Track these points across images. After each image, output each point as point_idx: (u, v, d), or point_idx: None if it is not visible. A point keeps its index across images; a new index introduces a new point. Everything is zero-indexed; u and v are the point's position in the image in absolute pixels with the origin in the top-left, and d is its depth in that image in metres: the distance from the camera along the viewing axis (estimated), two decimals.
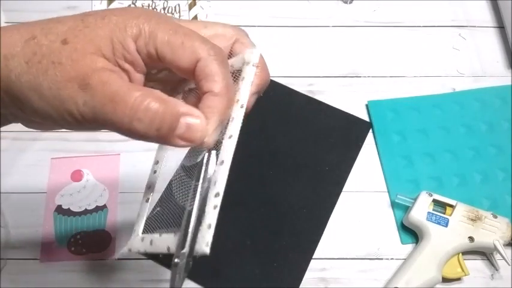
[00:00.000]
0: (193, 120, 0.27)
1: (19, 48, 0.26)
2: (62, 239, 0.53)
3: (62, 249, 0.52)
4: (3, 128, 0.60)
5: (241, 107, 0.29)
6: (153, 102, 0.26)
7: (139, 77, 0.29)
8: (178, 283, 0.28)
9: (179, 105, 0.27)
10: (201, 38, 0.28)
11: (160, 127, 0.26)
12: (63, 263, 0.52)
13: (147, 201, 0.35)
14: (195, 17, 0.66)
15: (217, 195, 0.28)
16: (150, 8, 0.66)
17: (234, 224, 0.53)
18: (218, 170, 0.29)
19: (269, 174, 0.56)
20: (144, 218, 0.35)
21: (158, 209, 0.35)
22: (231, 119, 0.29)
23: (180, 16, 0.66)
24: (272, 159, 0.57)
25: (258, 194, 0.56)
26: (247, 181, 0.55)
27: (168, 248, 0.30)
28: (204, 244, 0.28)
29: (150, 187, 0.36)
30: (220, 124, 0.28)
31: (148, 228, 0.34)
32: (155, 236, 0.32)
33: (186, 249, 0.28)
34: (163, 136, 0.27)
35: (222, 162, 0.28)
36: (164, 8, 0.66)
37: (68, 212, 0.54)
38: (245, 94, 0.29)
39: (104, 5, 0.66)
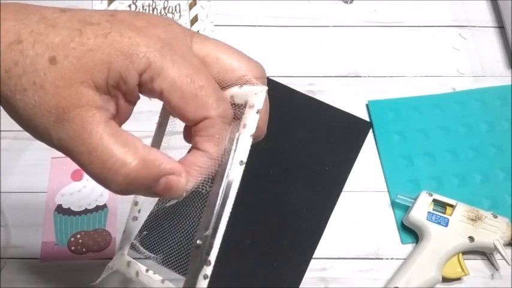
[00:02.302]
0: (175, 179, 0.25)
1: (6, 48, 0.23)
2: (62, 238, 0.53)
3: (62, 249, 0.53)
4: (3, 128, 0.60)
5: (241, 163, 0.26)
6: (134, 164, 0.23)
7: (127, 107, 0.26)
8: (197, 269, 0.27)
9: (162, 164, 0.24)
10: (217, 94, 0.25)
11: (137, 188, 0.24)
12: (64, 262, 0.52)
13: (134, 219, 0.34)
14: (195, 17, 0.66)
15: (209, 263, 0.27)
16: (150, 8, 0.66)
17: (234, 223, 0.52)
18: (214, 239, 0.27)
19: (269, 174, 0.56)
20: (131, 239, 0.34)
21: (145, 232, 0.34)
22: (225, 176, 0.27)
23: (180, 16, 0.66)
24: (272, 159, 0.57)
25: (258, 193, 0.56)
26: (247, 181, 0.55)
27: None
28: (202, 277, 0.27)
29: (136, 204, 0.34)
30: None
31: (135, 250, 0.34)
32: (140, 267, 0.32)
33: (209, 231, 0.26)
34: (140, 193, 0.26)
35: (216, 230, 0.27)
36: (164, 8, 0.66)
37: (68, 212, 0.54)
38: (246, 148, 0.27)
39: (104, 5, 0.66)
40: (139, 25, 0.24)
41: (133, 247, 0.35)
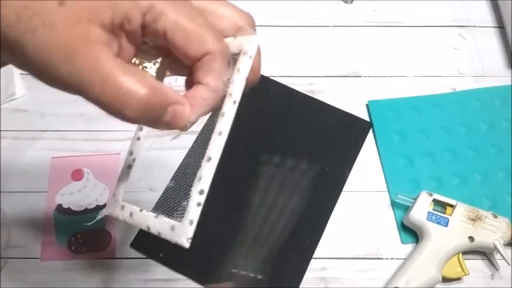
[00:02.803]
0: (181, 108, 0.27)
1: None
2: (62, 238, 0.53)
3: (62, 249, 0.53)
4: (3, 128, 0.60)
5: (234, 103, 0.28)
6: (145, 91, 0.25)
7: (129, 48, 0.27)
8: None
9: (169, 93, 0.26)
10: (215, 33, 0.27)
11: (149, 115, 0.26)
12: (64, 262, 0.52)
13: (128, 167, 0.34)
14: None
15: (201, 192, 0.28)
16: None
17: (234, 223, 0.53)
18: (204, 167, 0.28)
19: (269, 173, 0.56)
20: (124, 184, 0.34)
21: (138, 179, 0.33)
22: (221, 114, 0.28)
23: None
24: (272, 158, 0.57)
25: (258, 193, 0.56)
26: (247, 181, 0.55)
27: (148, 228, 0.30)
28: (185, 239, 0.28)
29: (131, 153, 0.35)
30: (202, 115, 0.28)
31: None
32: (134, 208, 0.32)
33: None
34: (149, 121, 0.27)
35: (210, 158, 0.28)
36: None
37: (69, 211, 0.54)
38: (239, 89, 0.28)
39: None
40: None
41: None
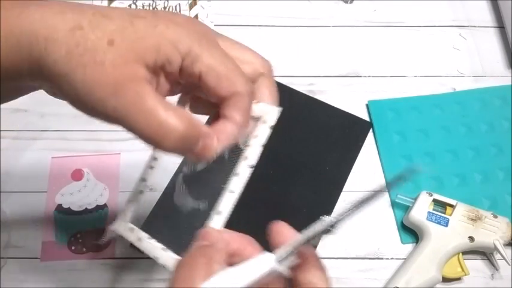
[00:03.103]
0: (209, 141, 0.29)
1: (62, 34, 0.26)
2: (62, 238, 0.53)
3: (62, 249, 0.53)
4: (3, 128, 0.60)
5: (249, 166, 0.31)
6: (183, 125, 0.27)
7: (166, 86, 0.30)
8: None
9: (201, 127, 0.29)
10: (244, 76, 0.30)
11: (184, 146, 0.28)
12: (64, 262, 0.52)
13: (140, 192, 0.36)
14: (196, 17, 0.66)
15: None
16: (151, 7, 0.66)
17: (234, 223, 0.52)
18: (213, 220, 0.30)
19: (269, 173, 0.56)
20: (133, 207, 0.36)
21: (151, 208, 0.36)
22: (235, 174, 0.30)
23: None
24: (272, 158, 0.57)
25: (258, 193, 0.55)
26: (247, 181, 0.55)
27: (156, 258, 0.32)
28: None
29: (144, 180, 0.37)
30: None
31: (136, 222, 0.36)
32: (143, 235, 0.34)
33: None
34: (183, 152, 0.29)
35: (220, 212, 0.30)
36: (165, 7, 0.66)
37: (69, 211, 0.54)
38: (255, 154, 0.31)
39: (104, 4, 0.66)
40: (179, 21, 0.29)
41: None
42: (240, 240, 0.30)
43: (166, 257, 0.32)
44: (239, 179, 0.30)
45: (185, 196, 0.41)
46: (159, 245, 0.33)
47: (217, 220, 0.30)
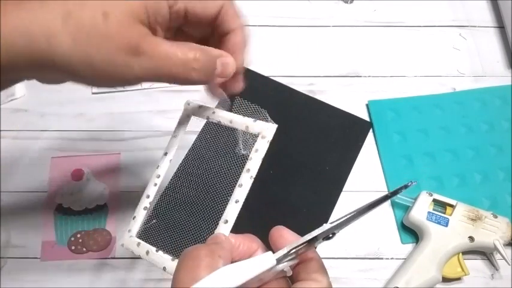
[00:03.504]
0: (226, 59, 0.32)
1: (59, 25, 0.27)
2: (62, 238, 0.53)
3: (62, 248, 0.53)
4: (3, 128, 0.60)
5: (251, 178, 0.33)
6: (199, 54, 0.31)
7: (161, 34, 0.31)
8: None
9: (213, 50, 0.32)
10: None
11: (207, 71, 0.32)
12: (64, 262, 0.52)
13: (144, 209, 0.38)
14: None
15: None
16: None
17: (235, 223, 0.52)
18: (220, 228, 0.32)
19: (269, 173, 0.56)
20: (140, 223, 0.38)
21: (154, 221, 0.39)
22: (238, 185, 0.33)
23: None
24: (272, 158, 0.57)
25: (258, 193, 0.55)
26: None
27: (165, 268, 0.34)
28: None
29: (148, 196, 0.39)
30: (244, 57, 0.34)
31: (143, 237, 0.37)
32: (152, 248, 0.36)
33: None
34: (209, 77, 0.32)
35: (226, 221, 0.32)
36: None
37: (69, 211, 0.54)
38: (256, 166, 0.34)
39: None
40: None
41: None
42: (245, 242, 0.32)
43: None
44: (243, 189, 0.33)
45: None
46: (168, 256, 0.34)
47: (225, 228, 0.32)
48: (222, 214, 0.33)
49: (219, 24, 0.33)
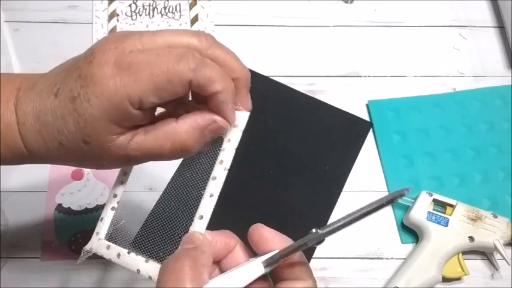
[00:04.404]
0: (213, 126, 0.30)
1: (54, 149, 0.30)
2: (62, 237, 0.53)
3: (62, 248, 0.53)
4: None
5: (225, 169, 0.31)
6: (182, 140, 0.30)
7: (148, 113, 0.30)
8: None
9: (195, 127, 0.30)
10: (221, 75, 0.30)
11: (197, 147, 0.31)
12: (64, 261, 0.52)
13: (112, 209, 0.36)
14: (196, 17, 0.66)
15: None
16: (151, 7, 0.66)
17: (234, 223, 0.52)
18: (195, 225, 0.31)
19: (269, 173, 0.56)
20: (108, 225, 0.36)
21: (123, 221, 0.37)
22: (212, 178, 0.31)
23: (180, 16, 0.66)
24: (272, 158, 0.57)
25: (258, 193, 0.56)
26: (247, 180, 0.55)
27: (138, 271, 0.32)
28: None
29: (115, 196, 0.37)
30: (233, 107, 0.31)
31: (113, 239, 0.35)
32: (123, 250, 0.33)
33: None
34: (202, 147, 0.31)
35: (201, 217, 0.31)
36: (165, 8, 0.66)
37: (69, 211, 0.54)
38: (229, 156, 0.31)
39: (104, 5, 0.66)
40: (98, 76, 0.29)
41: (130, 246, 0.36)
42: (222, 238, 0.31)
43: (150, 267, 0.32)
44: (217, 182, 0.31)
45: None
46: (141, 258, 0.32)
47: (200, 224, 0.31)
48: (196, 210, 0.31)
49: (198, 90, 0.30)
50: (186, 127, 0.30)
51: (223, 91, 0.29)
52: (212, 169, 0.31)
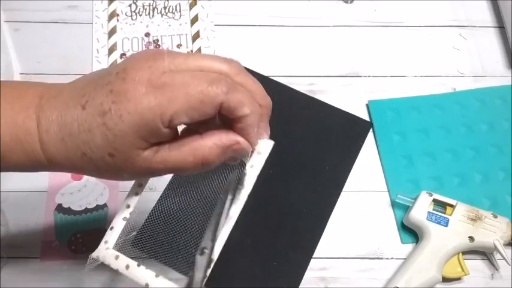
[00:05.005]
0: (237, 146, 0.31)
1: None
2: (62, 237, 0.53)
3: (62, 248, 0.53)
4: None
5: (246, 195, 0.33)
6: (205, 154, 0.31)
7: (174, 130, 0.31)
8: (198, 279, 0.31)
9: (218, 146, 0.31)
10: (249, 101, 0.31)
11: (225, 157, 0.32)
12: (64, 261, 0.52)
13: (124, 219, 0.36)
14: (196, 17, 0.66)
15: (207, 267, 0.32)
16: (151, 7, 0.66)
17: (234, 223, 0.53)
18: (217, 245, 0.32)
19: (269, 173, 0.56)
20: (118, 234, 0.35)
21: (134, 233, 0.36)
22: (228, 200, 0.32)
23: (180, 16, 0.66)
24: (272, 158, 0.57)
25: (258, 193, 0.55)
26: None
27: (147, 285, 0.32)
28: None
29: (128, 206, 0.36)
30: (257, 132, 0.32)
31: (122, 249, 0.34)
32: (132, 262, 0.33)
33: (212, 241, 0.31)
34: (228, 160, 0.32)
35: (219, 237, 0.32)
36: (165, 8, 0.66)
37: (69, 211, 0.54)
38: (251, 182, 0.33)
39: (104, 5, 0.66)
40: (132, 92, 0.30)
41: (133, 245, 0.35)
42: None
43: (160, 282, 0.32)
44: (237, 206, 0.32)
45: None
46: (151, 272, 0.32)
47: (218, 246, 0.32)
48: (196, 209, 0.32)
49: (228, 114, 0.31)
50: (211, 143, 0.31)
51: (252, 114, 0.30)
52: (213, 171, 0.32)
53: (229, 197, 0.32)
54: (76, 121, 0.29)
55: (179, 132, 0.32)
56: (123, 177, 0.31)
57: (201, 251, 0.31)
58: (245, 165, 0.33)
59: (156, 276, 0.32)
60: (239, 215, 0.33)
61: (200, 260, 0.31)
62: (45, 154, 0.31)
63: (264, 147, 0.33)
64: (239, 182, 0.33)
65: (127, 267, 0.33)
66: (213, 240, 0.32)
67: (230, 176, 0.35)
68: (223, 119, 0.31)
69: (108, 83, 0.29)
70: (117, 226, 0.35)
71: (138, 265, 0.33)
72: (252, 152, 0.33)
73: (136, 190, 0.36)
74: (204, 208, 0.36)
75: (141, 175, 0.33)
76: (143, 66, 0.29)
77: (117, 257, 0.34)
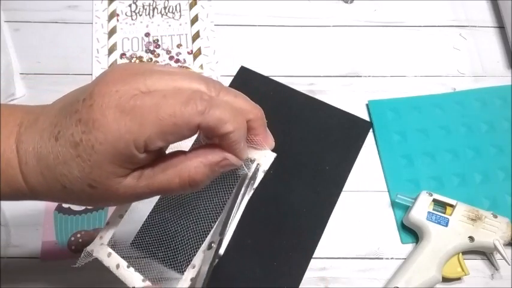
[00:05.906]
0: (224, 162, 0.30)
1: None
2: (62, 237, 0.53)
3: (62, 248, 0.53)
4: None
5: (244, 206, 0.33)
6: (191, 174, 0.30)
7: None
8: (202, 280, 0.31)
9: (204, 163, 0.30)
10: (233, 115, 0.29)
11: (212, 175, 0.31)
12: (64, 261, 0.52)
13: (120, 217, 0.35)
14: (196, 17, 0.66)
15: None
16: (151, 7, 0.66)
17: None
18: (207, 254, 0.31)
19: (269, 173, 0.56)
20: (113, 231, 0.35)
21: (131, 241, 0.36)
22: (224, 217, 0.32)
23: (180, 16, 0.66)
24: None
25: (258, 193, 0.55)
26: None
27: None
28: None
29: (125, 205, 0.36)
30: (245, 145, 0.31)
31: (116, 248, 0.34)
32: (123, 262, 0.33)
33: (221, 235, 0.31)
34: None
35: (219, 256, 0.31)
36: (165, 8, 0.66)
37: (69, 211, 0.54)
38: (248, 196, 0.33)
39: (104, 5, 0.66)
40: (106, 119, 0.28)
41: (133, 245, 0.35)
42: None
43: None
44: (233, 223, 0.32)
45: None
46: (139, 276, 0.32)
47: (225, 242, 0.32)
48: (204, 238, 0.31)
49: (210, 132, 0.29)
50: (197, 163, 0.29)
51: (235, 130, 0.28)
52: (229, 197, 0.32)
53: (242, 192, 0.32)
54: (51, 153, 0.28)
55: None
56: (110, 204, 0.31)
57: (209, 246, 0.31)
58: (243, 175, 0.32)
59: (143, 280, 0.32)
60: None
61: (208, 254, 0.31)
62: (27, 186, 0.30)
63: (265, 159, 0.33)
64: (252, 177, 0.32)
65: (117, 266, 0.33)
66: (222, 234, 0.31)
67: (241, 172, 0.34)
68: (208, 134, 0.30)
69: (76, 111, 0.28)
70: (113, 223, 0.35)
71: (128, 266, 0.32)
72: (252, 162, 0.32)
73: None
74: (204, 208, 0.36)
75: (127, 201, 0.32)
76: (110, 91, 0.27)
77: (109, 255, 0.33)
